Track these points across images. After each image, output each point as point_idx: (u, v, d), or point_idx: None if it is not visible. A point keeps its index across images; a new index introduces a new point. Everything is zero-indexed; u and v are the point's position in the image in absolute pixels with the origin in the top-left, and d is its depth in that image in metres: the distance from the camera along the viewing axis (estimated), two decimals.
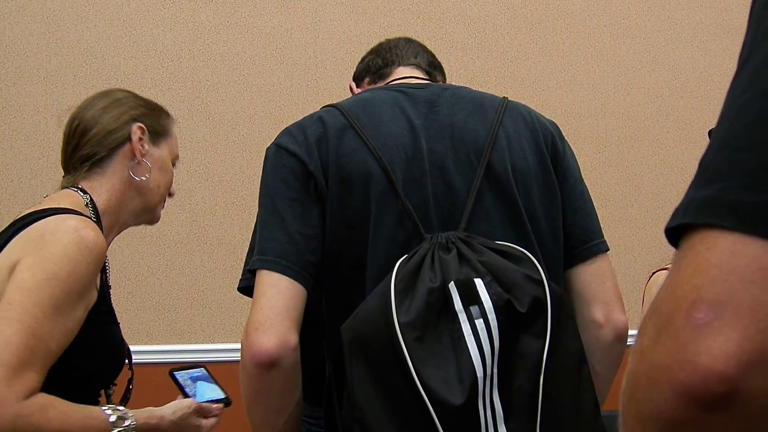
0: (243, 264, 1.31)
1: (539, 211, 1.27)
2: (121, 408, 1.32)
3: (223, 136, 2.96)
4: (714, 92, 3.35)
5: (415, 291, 1.09)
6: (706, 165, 0.53)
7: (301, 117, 2.38)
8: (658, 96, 3.30)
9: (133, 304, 2.93)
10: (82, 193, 1.39)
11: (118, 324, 1.41)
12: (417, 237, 1.19)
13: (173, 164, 1.56)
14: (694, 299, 0.48)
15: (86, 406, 1.29)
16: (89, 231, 1.26)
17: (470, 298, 1.09)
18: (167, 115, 1.55)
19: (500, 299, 1.09)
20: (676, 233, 0.51)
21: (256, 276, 1.20)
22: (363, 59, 1.55)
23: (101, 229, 1.36)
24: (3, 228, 1.34)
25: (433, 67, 1.48)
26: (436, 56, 1.55)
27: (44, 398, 1.19)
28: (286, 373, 1.17)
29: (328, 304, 1.23)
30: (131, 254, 2.96)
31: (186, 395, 1.49)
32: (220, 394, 1.54)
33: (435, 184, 1.24)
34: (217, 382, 1.57)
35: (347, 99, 1.36)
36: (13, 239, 1.26)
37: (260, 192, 1.27)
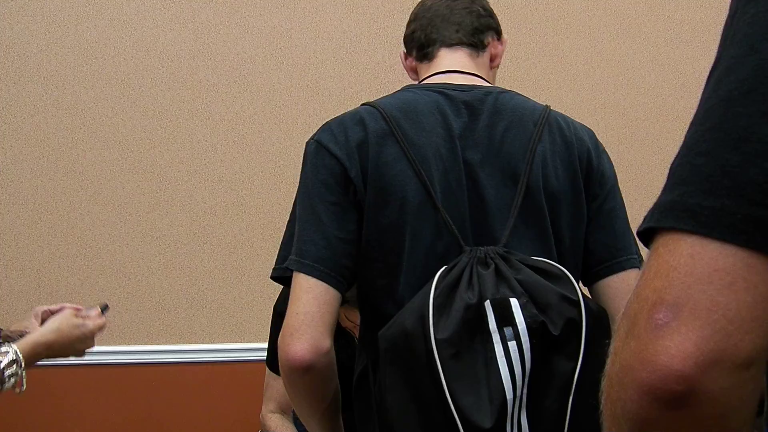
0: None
1: (564, 231, 1.27)
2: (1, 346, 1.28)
3: (223, 136, 2.96)
4: None
5: (452, 307, 1.10)
6: (673, 169, 0.55)
7: (301, 117, 2.39)
8: (658, 96, 3.30)
9: (133, 304, 2.93)
10: None
11: None
12: (456, 249, 1.20)
13: None
14: (654, 301, 0.49)
15: None
16: None
17: (505, 318, 1.09)
18: None
19: (534, 322, 1.09)
20: (648, 236, 0.53)
21: (293, 277, 1.21)
22: (408, 24, 1.50)
23: None
24: None
25: (478, 33, 1.41)
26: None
27: None
28: (320, 375, 1.19)
29: (361, 309, 1.25)
30: (131, 254, 2.96)
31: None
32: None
33: (470, 196, 1.24)
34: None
35: (388, 97, 1.35)
36: None
37: (300, 186, 1.27)
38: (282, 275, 1.26)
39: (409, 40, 1.48)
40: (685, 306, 0.48)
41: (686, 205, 0.51)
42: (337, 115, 1.33)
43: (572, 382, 1.09)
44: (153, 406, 2.75)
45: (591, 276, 1.30)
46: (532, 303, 1.10)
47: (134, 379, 2.80)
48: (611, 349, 0.53)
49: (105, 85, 2.89)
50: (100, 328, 1.45)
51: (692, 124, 0.57)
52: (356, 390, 1.26)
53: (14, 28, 2.90)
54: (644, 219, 0.54)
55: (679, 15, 3.38)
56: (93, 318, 1.43)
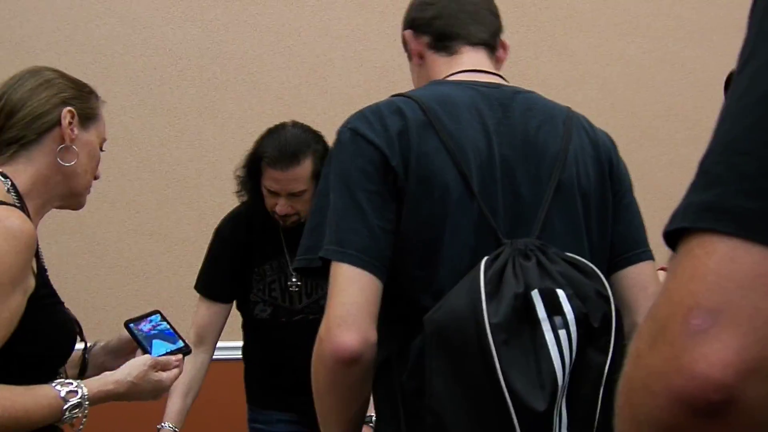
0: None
1: (594, 228, 1.30)
2: (71, 381, 1.30)
3: (231, 134, 2.97)
4: (721, 91, 3.34)
5: (501, 294, 1.10)
6: (706, 168, 0.52)
7: (310, 115, 2.39)
8: (667, 95, 3.29)
9: (141, 302, 2.94)
10: (2, 178, 1.34)
11: (62, 303, 1.40)
12: (494, 242, 1.20)
13: (101, 147, 1.51)
14: (690, 305, 0.47)
15: (34, 386, 1.27)
16: (14, 219, 1.23)
17: (553, 307, 1.10)
18: (96, 96, 1.49)
19: (580, 312, 1.11)
20: (674, 236, 0.51)
21: (334, 267, 1.18)
22: (424, 7, 1.42)
23: (27, 214, 1.34)
24: None
25: (496, 35, 1.42)
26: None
27: (20, 388, 1.19)
28: (365, 369, 1.18)
29: (386, 298, 1.22)
30: (139, 252, 2.96)
31: (144, 350, 1.45)
32: (177, 343, 1.50)
33: (504, 191, 1.24)
34: (174, 330, 1.54)
35: (421, 89, 1.33)
36: None
37: (333, 176, 1.23)
38: (308, 266, 1.23)
39: (424, 23, 1.42)
40: (725, 312, 0.46)
41: (726, 207, 0.48)
42: (367, 105, 1.29)
43: (603, 374, 1.11)
44: (154, 403, 2.75)
45: (609, 267, 1.32)
46: (576, 295, 1.12)
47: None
48: (633, 350, 0.51)
49: (113, 83, 2.90)
50: (176, 377, 1.46)
51: (724, 119, 0.53)
52: (378, 381, 1.24)
53: (24, 26, 2.92)
54: (673, 218, 0.51)
55: (689, 14, 3.37)
56: (172, 371, 1.43)
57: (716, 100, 3.47)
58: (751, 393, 0.45)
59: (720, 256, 0.47)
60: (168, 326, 1.54)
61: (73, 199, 1.47)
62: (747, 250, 0.47)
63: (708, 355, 0.46)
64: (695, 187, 0.52)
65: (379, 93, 3.10)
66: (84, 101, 1.44)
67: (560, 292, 1.11)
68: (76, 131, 1.40)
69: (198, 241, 2.85)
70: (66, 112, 1.38)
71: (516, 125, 1.28)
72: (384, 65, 3.07)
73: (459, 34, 1.39)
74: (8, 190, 1.33)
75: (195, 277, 2.31)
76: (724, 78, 3.43)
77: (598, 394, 1.11)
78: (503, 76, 1.40)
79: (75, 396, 1.27)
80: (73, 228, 2.86)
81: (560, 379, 1.08)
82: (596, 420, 1.12)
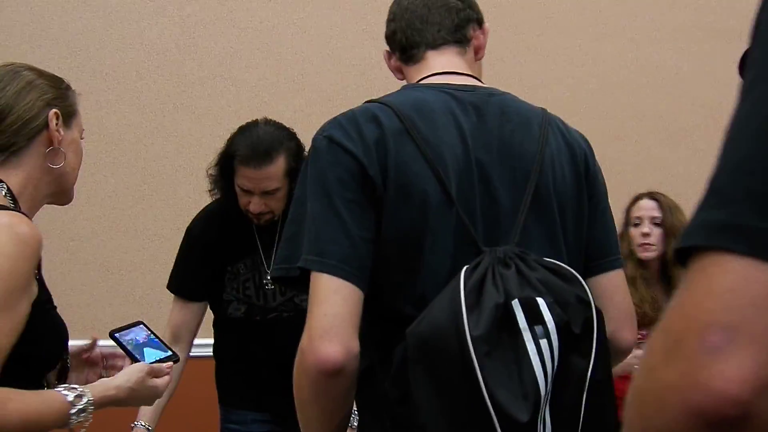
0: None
1: (570, 231, 1.30)
2: (75, 386, 1.32)
3: (208, 130, 2.96)
4: (694, 93, 3.39)
5: (482, 305, 1.10)
6: (717, 186, 0.53)
7: (287, 112, 2.39)
8: (639, 96, 3.33)
9: (116, 299, 2.92)
10: None
11: (56, 307, 1.42)
12: (473, 249, 1.20)
13: (81, 138, 1.52)
14: (706, 322, 0.48)
15: (42, 391, 1.30)
16: (23, 226, 1.26)
17: (534, 317, 1.10)
18: (73, 91, 1.49)
19: (561, 320, 1.11)
20: (685, 253, 0.52)
21: (314, 278, 1.17)
22: (388, 24, 1.44)
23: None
24: None
25: (460, 29, 1.40)
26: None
27: (2, 392, 1.20)
28: (348, 379, 1.17)
29: (367, 306, 1.21)
30: (114, 249, 2.95)
31: (134, 358, 1.48)
32: (167, 351, 1.53)
33: (481, 196, 1.24)
34: (159, 339, 1.57)
35: (395, 95, 1.33)
36: None
37: (310, 183, 1.22)
38: (285, 275, 1.23)
39: (390, 40, 1.44)
40: (741, 330, 0.47)
41: (739, 226, 0.50)
42: (342, 112, 1.29)
43: (586, 380, 1.12)
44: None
45: (585, 271, 1.31)
46: (556, 303, 1.12)
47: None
48: (644, 364, 0.52)
49: (89, 78, 2.88)
50: (167, 384, 1.50)
51: (734, 138, 0.54)
52: (360, 389, 1.24)
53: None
54: (685, 236, 0.52)
55: (661, 17, 3.41)
56: (164, 378, 1.47)
57: (688, 101, 3.52)
58: (765, 407, 0.47)
59: (734, 274, 0.48)
60: (153, 336, 1.57)
61: (62, 195, 1.48)
62: (761, 270, 0.48)
63: (724, 372, 0.47)
64: (707, 205, 0.53)
65: (356, 90, 3.12)
66: (65, 100, 1.44)
67: (540, 301, 1.11)
68: (61, 132, 1.40)
69: (174, 237, 2.84)
70: (52, 115, 1.39)
71: (491, 129, 1.28)
72: (361, 63, 3.07)
73: (419, 41, 1.39)
74: (5, 194, 1.34)
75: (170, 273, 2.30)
76: (697, 81, 3.47)
77: (582, 398, 1.12)
78: (476, 76, 1.39)
79: (81, 401, 1.30)
80: (47, 224, 2.83)
81: (542, 389, 1.08)
82: (580, 424, 1.12)
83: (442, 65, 1.37)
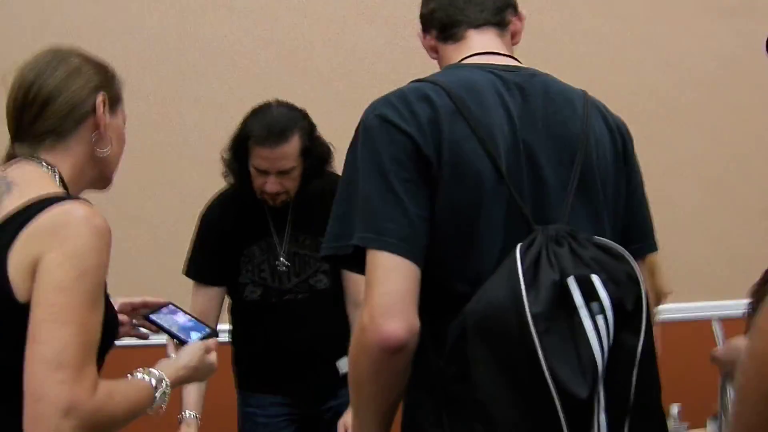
0: None
1: (609, 211, 1.32)
2: (152, 370, 1.35)
3: (212, 118, 2.96)
4: (694, 69, 3.38)
5: (539, 283, 1.11)
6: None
7: (290, 99, 2.40)
8: (639, 73, 3.32)
9: (122, 289, 2.91)
10: (47, 168, 1.33)
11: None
12: (526, 228, 1.20)
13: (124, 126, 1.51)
14: None
15: (128, 379, 1.33)
16: (99, 218, 1.25)
17: (589, 294, 1.11)
18: (118, 77, 1.48)
19: (615, 297, 1.12)
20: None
21: (373, 256, 1.18)
22: (425, 3, 1.44)
23: None
24: None
25: (501, 12, 1.42)
26: None
27: (105, 386, 1.22)
28: (409, 356, 1.18)
29: (420, 284, 1.21)
30: (119, 238, 2.93)
31: (179, 338, 1.50)
32: (206, 328, 1.54)
33: (528, 176, 1.25)
34: (194, 317, 1.58)
35: (442, 74, 1.33)
36: (21, 235, 1.21)
37: (363, 163, 1.22)
38: (336, 253, 1.24)
39: (428, 19, 1.43)
40: None
41: None
42: (394, 90, 1.28)
43: (636, 356, 1.13)
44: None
45: None
46: (610, 280, 1.14)
47: (118, 361, 2.81)
48: (760, 326, 0.53)
49: None
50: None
51: None
52: (412, 365, 1.23)
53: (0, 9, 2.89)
54: None
55: None
56: (214, 353, 1.50)
57: (689, 79, 3.51)
58: None
59: None
60: (187, 314, 1.58)
61: (102, 181, 1.48)
62: None
63: None
64: None
65: (358, 75, 3.13)
66: (111, 85, 1.43)
67: (595, 278, 1.12)
68: (108, 117, 1.39)
69: (180, 225, 2.85)
70: (100, 100, 1.37)
71: (535, 109, 1.28)
72: (363, 47, 3.07)
73: (459, 20, 1.39)
74: (58, 182, 1.33)
75: (177, 261, 2.31)
76: (703, 61, 3.45)
77: (632, 374, 1.13)
78: (516, 57, 1.40)
79: (161, 385, 1.34)
80: None
81: (600, 365, 1.09)
82: (631, 401, 1.14)
83: (483, 45, 1.38)
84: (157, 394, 1.32)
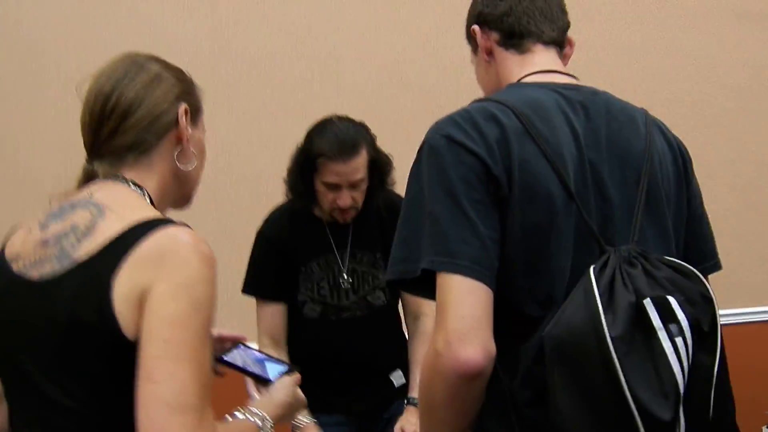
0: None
1: (674, 230, 1.30)
2: (253, 410, 1.26)
3: (246, 132, 2.99)
4: (725, 77, 3.37)
5: (615, 305, 1.09)
6: None
7: (325, 112, 2.42)
8: (671, 82, 3.32)
9: None
10: (135, 188, 1.21)
11: None
12: (596, 249, 1.19)
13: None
14: None
15: (234, 421, 1.24)
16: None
17: (667, 315, 1.10)
18: (197, 85, 1.34)
19: (693, 318, 1.11)
20: None
21: (445, 279, 1.14)
22: (496, 3, 1.39)
23: None
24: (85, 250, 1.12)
25: (564, 33, 1.40)
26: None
27: (221, 429, 1.13)
28: (485, 381, 1.15)
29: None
30: None
31: (261, 378, 1.42)
32: (283, 364, 1.49)
33: (595, 196, 1.23)
34: (267, 354, 1.54)
35: (506, 93, 1.30)
36: (125, 263, 1.08)
37: (430, 184, 1.19)
38: (400, 278, 1.20)
39: (494, 19, 1.38)
40: None
41: None
42: (458, 110, 1.25)
43: (713, 376, 1.11)
44: None
45: None
46: (685, 300, 1.12)
47: None
48: None
49: None
50: None
51: None
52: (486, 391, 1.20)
53: (33, 27, 2.93)
54: None
55: (690, 1, 3.40)
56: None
57: (719, 85, 3.49)
58: None
59: None
60: (260, 353, 1.52)
61: (182, 200, 1.34)
62: None
63: None
64: None
65: (390, 86, 3.14)
66: (192, 94, 1.30)
67: (672, 300, 1.10)
68: (190, 130, 1.26)
69: (217, 240, 2.87)
70: (183, 110, 1.24)
71: (599, 128, 1.27)
72: (395, 59, 3.09)
73: (531, 31, 1.36)
74: (149, 202, 1.21)
75: (224, 279, 2.32)
76: (727, 65, 3.43)
77: (710, 394, 1.11)
78: (575, 75, 1.37)
79: (268, 424, 1.26)
80: None
81: (681, 387, 1.08)
82: (710, 419, 1.12)
83: (548, 62, 1.36)
84: None
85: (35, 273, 1.14)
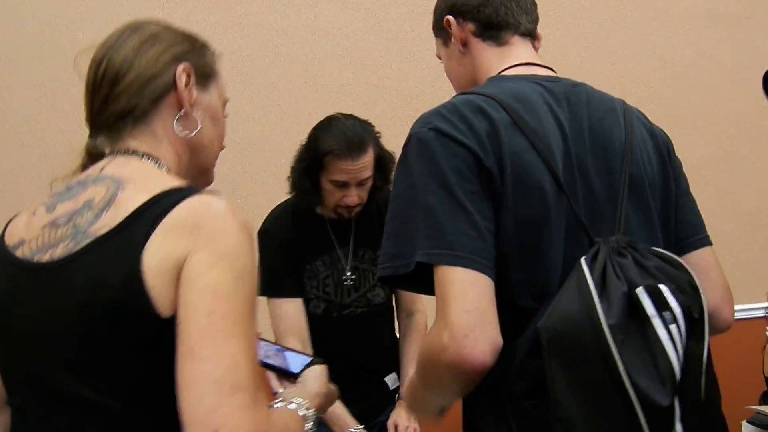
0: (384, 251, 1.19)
1: (659, 216, 1.31)
2: (293, 399, 1.19)
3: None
4: (699, 80, 3.41)
5: (609, 295, 1.09)
6: None
7: (302, 115, 2.41)
8: (645, 83, 3.35)
9: None
10: (148, 160, 1.09)
11: None
12: (586, 240, 1.19)
13: (223, 110, 1.22)
14: None
15: (280, 410, 1.16)
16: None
17: (661, 303, 1.10)
18: (212, 51, 1.22)
19: (685, 306, 1.12)
20: None
21: (445, 272, 1.12)
22: None
23: None
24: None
25: (535, 25, 1.40)
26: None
27: (276, 421, 1.05)
28: (487, 371, 1.13)
29: None
30: None
31: (288, 372, 1.35)
32: (306, 356, 1.42)
33: (581, 187, 1.23)
34: (287, 347, 1.46)
35: (490, 86, 1.28)
36: (156, 232, 0.96)
37: (420, 177, 1.16)
38: (394, 274, 1.17)
39: (471, 10, 1.36)
40: None
41: None
42: (442, 104, 1.23)
43: (703, 362, 1.13)
44: None
45: (675, 251, 1.30)
46: (676, 289, 1.12)
47: None
48: None
49: None
50: None
51: None
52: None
53: (12, 33, 2.92)
54: None
55: (665, 4, 3.43)
56: None
57: (693, 88, 3.52)
58: None
59: None
60: (279, 346, 1.45)
61: (201, 177, 1.20)
62: None
63: None
64: None
65: (368, 89, 3.15)
66: (199, 56, 1.17)
67: (664, 288, 1.11)
68: (194, 93, 1.14)
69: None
70: (181, 71, 1.12)
71: (581, 119, 1.27)
72: (373, 62, 3.10)
73: (509, 23, 1.35)
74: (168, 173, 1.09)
75: None
76: (702, 67, 3.49)
77: (701, 380, 1.13)
78: (553, 68, 1.37)
79: (309, 412, 1.18)
80: None
81: (677, 373, 1.09)
82: (702, 406, 1.13)
83: (527, 55, 1.35)
84: (308, 426, 1.16)
85: (45, 256, 1.01)
